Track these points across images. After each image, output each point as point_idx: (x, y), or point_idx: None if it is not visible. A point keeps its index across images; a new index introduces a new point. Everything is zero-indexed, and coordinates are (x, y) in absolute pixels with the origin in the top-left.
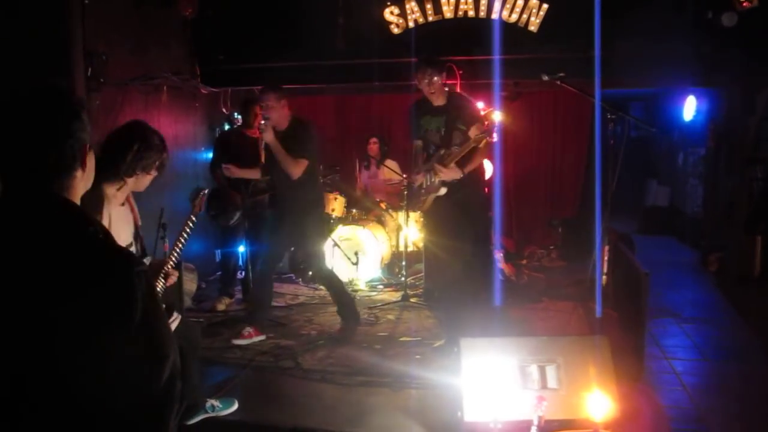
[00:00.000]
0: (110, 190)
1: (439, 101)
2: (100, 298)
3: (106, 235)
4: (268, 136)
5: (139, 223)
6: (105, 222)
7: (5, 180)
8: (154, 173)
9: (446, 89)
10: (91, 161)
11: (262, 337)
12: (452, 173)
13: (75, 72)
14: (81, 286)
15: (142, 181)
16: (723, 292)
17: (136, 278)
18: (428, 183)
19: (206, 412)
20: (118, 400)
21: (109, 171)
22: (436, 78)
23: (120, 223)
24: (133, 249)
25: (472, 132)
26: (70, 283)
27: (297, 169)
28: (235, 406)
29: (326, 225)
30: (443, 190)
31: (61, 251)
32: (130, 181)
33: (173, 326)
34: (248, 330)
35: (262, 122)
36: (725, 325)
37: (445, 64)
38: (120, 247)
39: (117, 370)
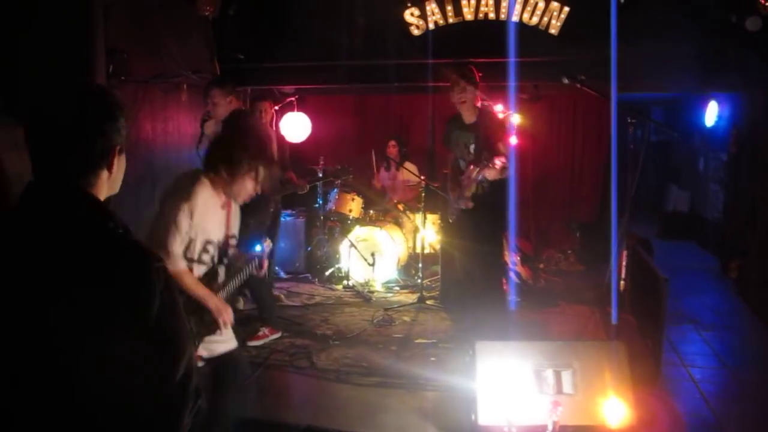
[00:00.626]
0: (206, 185)
1: (469, 118)
2: (117, 291)
3: (127, 230)
4: (209, 128)
5: (232, 232)
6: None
7: (35, 171)
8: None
9: (478, 105)
10: (120, 165)
11: (277, 335)
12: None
13: (96, 69)
14: (99, 278)
15: (242, 187)
16: (743, 298)
17: (155, 274)
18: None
19: None
20: (133, 394)
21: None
22: (469, 89)
23: (207, 223)
24: (211, 250)
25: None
26: (89, 275)
27: None
28: None
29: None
30: (470, 204)
31: (81, 244)
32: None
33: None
34: (263, 330)
35: (205, 118)
36: (745, 333)
37: (477, 77)
38: (140, 242)
39: (133, 363)
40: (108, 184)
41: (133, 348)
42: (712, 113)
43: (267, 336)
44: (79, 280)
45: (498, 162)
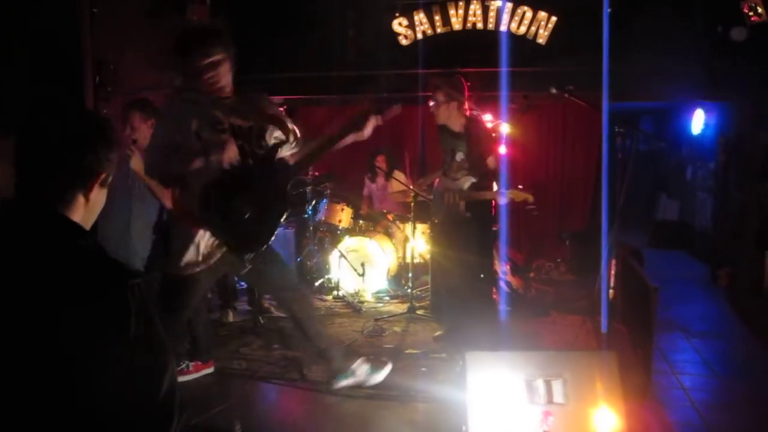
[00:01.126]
0: None
1: (456, 127)
2: (93, 312)
3: (101, 249)
4: (135, 164)
5: None
6: None
7: (15, 186)
8: None
9: (464, 117)
10: (99, 197)
11: (209, 370)
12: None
13: (84, 81)
14: (74, 299)
15: None
16: (733, 307)
17: (129, 292)
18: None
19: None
20: (117, 413)
21: None
22: (442, 100)
23: None
24: None
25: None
26: (63, 296)
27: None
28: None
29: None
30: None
31: (52, 263)
32: None
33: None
34: (188, 365)
35: (129, 149)
36: (735, 341)
37: (457, 88)
38: (115, 261)
39: (115, 383)
40: (83, 212)
41: (114, 367)
42: (698, 121)
43: (191, 372)
44: (51, 299)
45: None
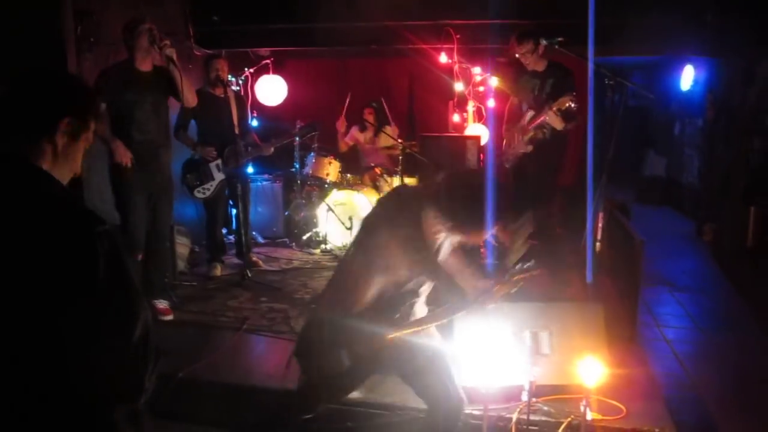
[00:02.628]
0: None
1: (537, 67)
2: (61, 258)
3: (69, 195)
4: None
5: None
6: None
7: None
8: None
9: (545, 59)
10: (69, 148)
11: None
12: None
13: (64, 32)
14: (43, 245)
15: None
16: (717, 262)
17: (98, 238)
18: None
19: None
20: (91, 357)
21: None
22: (529, 49)
23: None
24: None
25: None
26: (32, 242)
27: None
28: None
29: None
30: (529, 148)
31: (18, 208)
32: None
33: None
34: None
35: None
36: (718, 295)
37: (536, 39)
38: (84, 207)
39: (87, 328)
40: (52, 161)
41: (88, 311)
42: (688, 77)
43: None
44: (16, 242)
45: (556, 107)
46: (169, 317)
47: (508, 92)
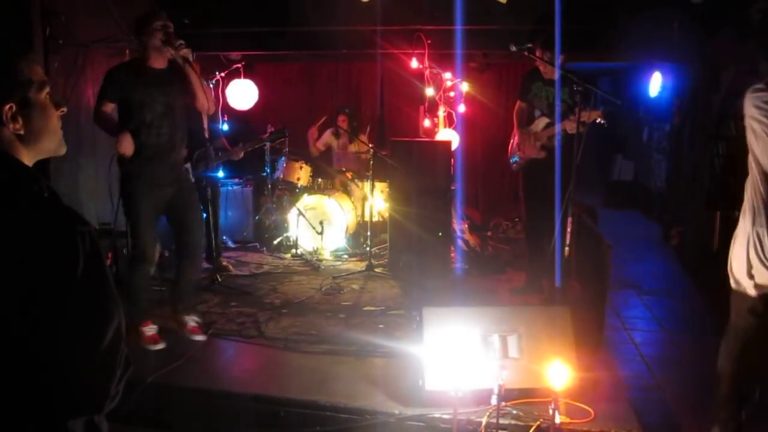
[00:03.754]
0: None
1: (550, 74)
2: (42, 256)
3: (53, 194)
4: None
5: None
6: None
7: None
8: None
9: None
10: (25, 125)
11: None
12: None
13: (33, 32)
14: (23, 243)
15: None
16: (683, 265)
17: (80, 237)
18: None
19: None
20: (61, 357)
21: None
22: (548, 58)
23: None
24: None
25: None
26: (11, 239)
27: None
28: None
29: None
30: (543, 154)
31: (3, 208)
32: None
33: None
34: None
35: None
36: (684, 298)
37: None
38: (65, 206)
39: (60, 328)
40: (29, 143)
41: (62, 310)
42: (656, 84)
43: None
44: (4, 244)
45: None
46: (201, 338)
47: (479, 97)
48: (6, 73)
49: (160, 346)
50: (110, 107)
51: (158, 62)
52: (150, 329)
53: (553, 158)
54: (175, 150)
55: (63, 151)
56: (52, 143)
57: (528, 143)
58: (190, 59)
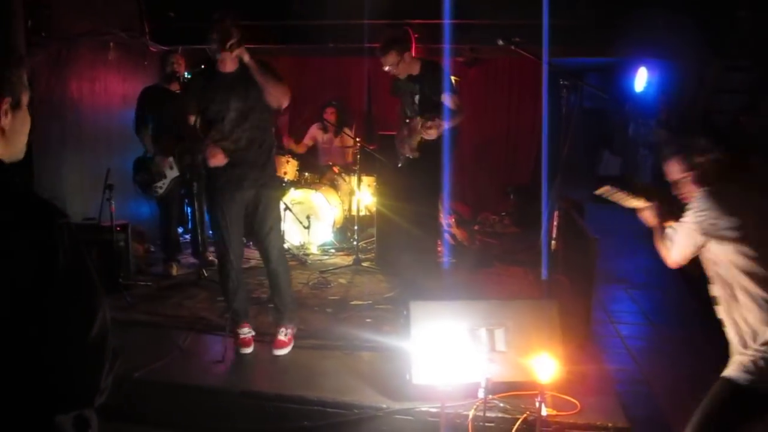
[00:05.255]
0: None
1: (412, 71)
2: (21, 250)
3: (28, 188)
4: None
5: None
6: None
7: None
8: None
9: (419, 59)
10: (16, 122)
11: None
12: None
13: (14, 23)
14: (1, 237)
15: None
16: None
17: (58, 230)
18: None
19: None
20: (46, 351)
21: None
22: (395, 60)
23: None
24: None
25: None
26: None
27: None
28: None
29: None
30: (416, 154)
31: None
32: None
33: None
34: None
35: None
36: (670, 292)
37: (403, 42)
38: (43, 199)
39: (44, 321)
40: (3, 143)
41: (46, 304)
42: (642, 79)
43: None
44: None
45: (432, 123)
46: (248, 350)
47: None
48: (14, 71)
49: (248, 350)
50: (193, 119)
51: (227, 66)
52: (243, 332)
53: (417, 169)
54: (253, 158)
55: (21, 156)
56: (19, 148)
57: (407, 144)
58: (245, 58)
